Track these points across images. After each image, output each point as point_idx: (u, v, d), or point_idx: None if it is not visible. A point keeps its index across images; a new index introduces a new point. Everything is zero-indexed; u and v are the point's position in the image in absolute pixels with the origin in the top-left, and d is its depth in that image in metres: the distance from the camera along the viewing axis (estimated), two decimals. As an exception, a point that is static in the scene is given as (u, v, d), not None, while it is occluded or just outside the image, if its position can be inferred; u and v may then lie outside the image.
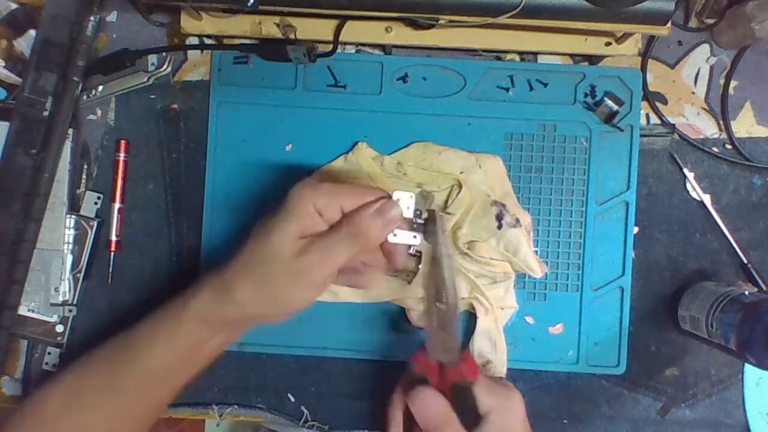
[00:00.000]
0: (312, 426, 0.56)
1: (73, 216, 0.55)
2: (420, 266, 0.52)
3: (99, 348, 0.47)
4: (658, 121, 0.56)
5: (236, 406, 0.56)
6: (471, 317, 0.54)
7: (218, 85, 0.55)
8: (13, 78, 0.54)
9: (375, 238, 0.41)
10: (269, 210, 0.54)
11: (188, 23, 0.53)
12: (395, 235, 0.43)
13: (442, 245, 0.44)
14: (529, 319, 0.55)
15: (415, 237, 0.43)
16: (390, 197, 0.42)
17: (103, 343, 0.48)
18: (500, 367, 0.53)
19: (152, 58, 0.56)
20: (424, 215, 0.53)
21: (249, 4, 0.45)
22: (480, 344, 0.53)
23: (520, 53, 0.56)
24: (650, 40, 0.55)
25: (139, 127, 0.56)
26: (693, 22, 0.56)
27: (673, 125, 0.55)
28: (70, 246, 0.55)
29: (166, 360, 0.45)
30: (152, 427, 0.51)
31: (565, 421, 0.56)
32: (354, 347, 0.55)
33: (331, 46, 0.53)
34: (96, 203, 0.56)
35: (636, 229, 0.55)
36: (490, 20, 0.46)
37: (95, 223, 0.55)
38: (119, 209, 0.56)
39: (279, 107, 0.55)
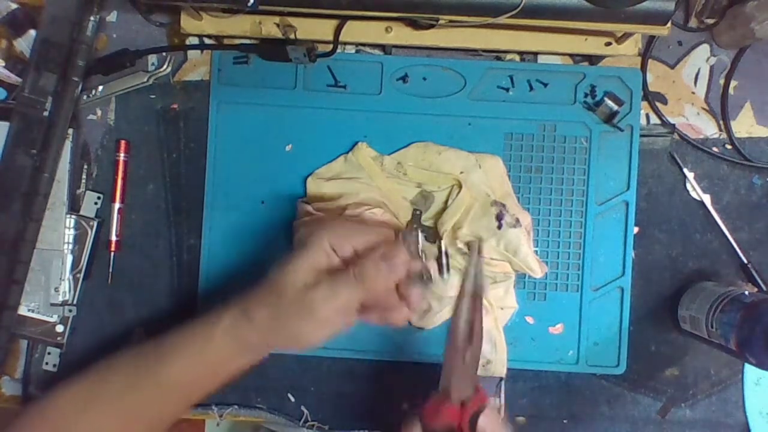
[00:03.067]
0: (312, 426, 0.56)
1: (73, 216, 0.55)
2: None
3: (120, 355, 0.48)
4: (658, 121, 0.56)
5: (236, 406, 0.56)
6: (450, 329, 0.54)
7: (218, 85, 0.55)
8: (13, 78, 0.54)
9: (380, 283, 0.42)
10: (269, 211, 0.55)
11: (188, 23, 0.53)
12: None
13: (479, 281, 0.44)
14: (529, 319, 0.55)
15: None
16: (398, 235, 0.44)
17: (116, 349, 0.48)
18: (500, 367, 0.53)
19: (152, 58, 0.56)
20: (425, 216, 0.53)
21: (249, 4, 0.45)
22: (480, 344, 0.53)
23: (520, 53, 0.56)
24: (650, 40, 0.55)
25: (139, 127, 0.56)
26: (693, 22, 0.56)
27: (673, 125, 0.55)
28: (70, 246, 0.55)
29: (191, 373, 0.46)
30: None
31: (565, 421, 0.56)
32: (354, 347, 0.55)
33: (331, 46, 0.53)
34: (96, 203, 0.56)
35: (636, 229, 0.55)
36: (490, 20, 0.46)
37: (95, 223, 0.55)
38: (119, 209, 0.56)
39: (279, 107, 0.55)
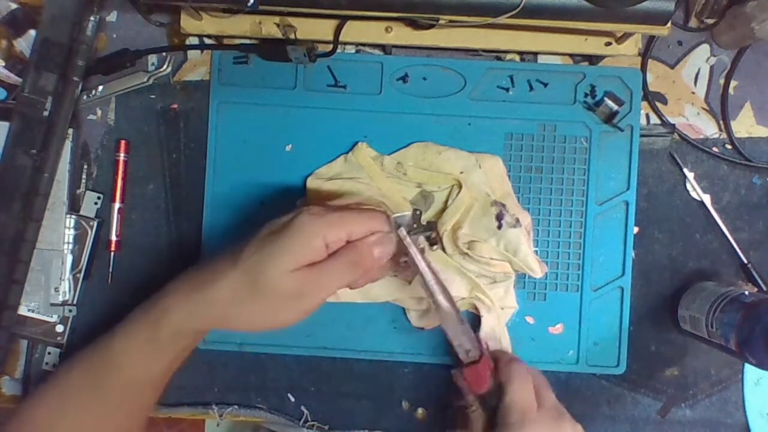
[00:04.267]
0: (312, 426, 0.56)
1: (73, 216, 0.55)
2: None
3: (78, 357, 0.47)
4: (658, 121, 0.56)
5: (236, 406, 0.56)
6: (475, 317, 0.54)
7: (218, 85, 0.55)
8: (13, 78, 0.54)
9: (372, 267, 0.42)
10: (269, 211, 0.55)
11: (188, 23, 0.53)
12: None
13: (417, 259, 0.45)
14: (529, 319, 0.55)
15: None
16: (388, 216, 0.44)
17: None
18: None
19: (152, 58, 0.56)
20: (425, 216, 0.54)
21: (249, 4, 0.45)
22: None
23: (520, 53, 0.56)
24: (650, 40, 0.55)
25: (139, 127, 0.56)
26: (693, 22, 0.56)
27: (673, 125, 0.55)
28: (70, 246, 0.55)
29: (147, 370, 0.46)
30: (152, 426, 0.51)
31: (565, 421, 0.56)
32: (354, 347, 0.55)
33: (331, 46, 0.53)
34: (96, 203, 0.56)
35: (636, 229, 0.55)
36: (490, 20, 0.46)
37: (95, 223, 0.55)
38: (119, 209, 0.56)
39: (279, 107, 0.55)
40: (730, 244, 0.55)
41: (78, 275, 0.55)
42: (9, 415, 0.48)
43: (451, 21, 0.47)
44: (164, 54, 0.56)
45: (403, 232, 0.44)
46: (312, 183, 0.55)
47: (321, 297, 0.41)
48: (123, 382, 0.46)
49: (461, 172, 0.54)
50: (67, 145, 0.55)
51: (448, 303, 0.47)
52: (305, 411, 0.56)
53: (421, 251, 0.46)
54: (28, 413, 0.47)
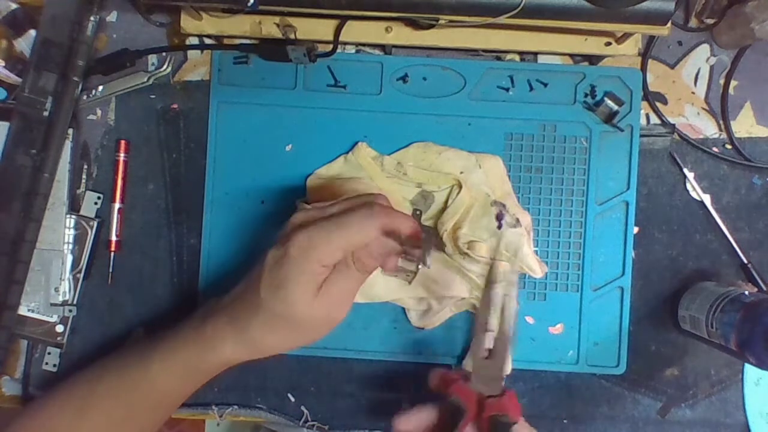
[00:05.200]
0: (312, 426, 0.56)
1: (73, 216, 0.55)
2: (420, 266, 0.52)
3: (104, 369, 0.49)
4: (658, 121, 0.56)
5: (236, 406, 0.56)
6: (474, 318, 0.54)
7: (218, 85, 0.55)
8: (13, 78, 0.54)
9: (380, 263, 0.43)
10: (269, 211, 0.55)
11: (188, 23, 0.53)
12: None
13: (498, 270, 0.46)
14: (529, 319, 0.55)
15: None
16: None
17: (108, 353, 0.50)
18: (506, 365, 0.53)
19: (152, 58, 0.56)
20: (425, 216, 0.54)
21: (249, 4, 0.45)
22: (485, 343, 0.53)
23: (520, 53, 0.56)
24: (650, 40, 0.55)
25: (139, 127, 0.56)
26: (693, 22, 0.56)
27: (673, 125, 0.55)
28: (70, 246, 0.55)
29: (183, 391, 0.48)
30: None
31: (565, 421, 0.56)
32: (354, 347, 0.55)
33: (331, 46, 0.53)
34: (96, 203, 0.56)
35: (636, 229, 0.55)
36: (490, 20, 0.46)
37: (95, 223, 0.55)
38: (119, 209, 0.56)
39: (279, 107, 0.55)
40: (730, 244, 0.55)
41: (78, 275, 0.55)
42: (18, 415, 0.48)
43: (451, 21, 0.47)
44: (164, 54, 0.56)
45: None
46: (312, 183, 0.55)
47: (347, 308, 0.43)
48: (155, 398, 0.47)
49: (461, 172, 0.54)
50: (67, 145, 0.55)
51: (508, 329, 0.45)
52: (305, 411, 0.56)
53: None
54: (43, 415, 0.47)
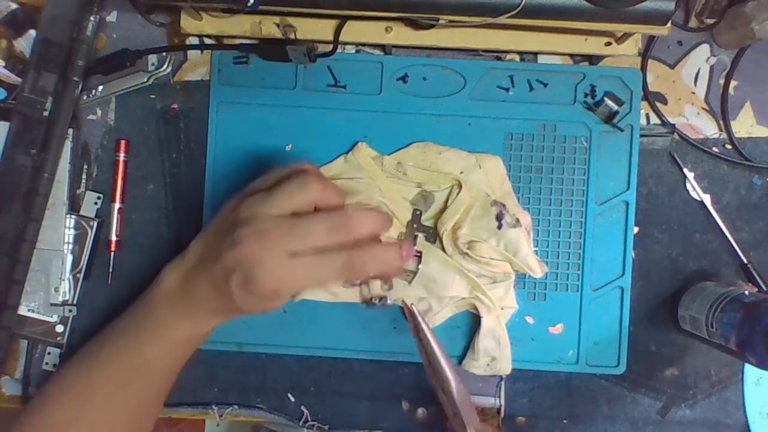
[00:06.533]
0: (312, 426, 0.56)
1: (73, 216, 0.55)
2: (420, 266, 0.52)
3: (91, 348, 0.50)
4: (658, 121, 0.56)
5: (236, 406, 0.56)
6: (474, 318, 0.54)
7: (218, 85, 0.55)
8: (13, 78, 0.54)
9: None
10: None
11: (188, 23, 0.53)
12: None
13: (428, 338, 0.49)
14: (529, 319, 0.55)
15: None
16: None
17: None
18: (505, 364, 0.53)
19: (152, 58, 0.56)
20: (425, 216, 0.54)
21: (249, 4, 0.45)
22: (485, 343, 0.53)
23: (520, 53, 0.56)
24: (650, 40, 0.55)
25: (139, 127, 0.56)
26: (693, 22, 0.56)
27: (673, 125, 0.55)
28: (70, 246, 0.55)
29: (175, 361, 0.49)
30: (152, 426, 0.52)
31: (565, 421, 0.56)
32: (354, 347, 0.55)
33: (331, 46, 0.53)
34: (96, 203, 0.56)
35: (636, 229, 0.55)
36: (490, 20, 0.46)
37: (95, 223, 0.55)
38: (119, 209, 0.56)
39: (279, 107, 0.55)
40: (730, 244, 0.55)
41: (78, 275, 0.55)
42: (20, 414, 0.49)
43: (451, 21, 0.47)
44: (164, 54, 0.56)
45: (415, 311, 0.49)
46: (312, 183, 0.55)
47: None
48: (152, 375, 0.49)
49: (461, 172, 0.54)
50: (67, 145, 0.55)
51: (453, 389, 0.48)
52: (305, 411, 0.56)
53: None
54: (43, 411, 0.48)
